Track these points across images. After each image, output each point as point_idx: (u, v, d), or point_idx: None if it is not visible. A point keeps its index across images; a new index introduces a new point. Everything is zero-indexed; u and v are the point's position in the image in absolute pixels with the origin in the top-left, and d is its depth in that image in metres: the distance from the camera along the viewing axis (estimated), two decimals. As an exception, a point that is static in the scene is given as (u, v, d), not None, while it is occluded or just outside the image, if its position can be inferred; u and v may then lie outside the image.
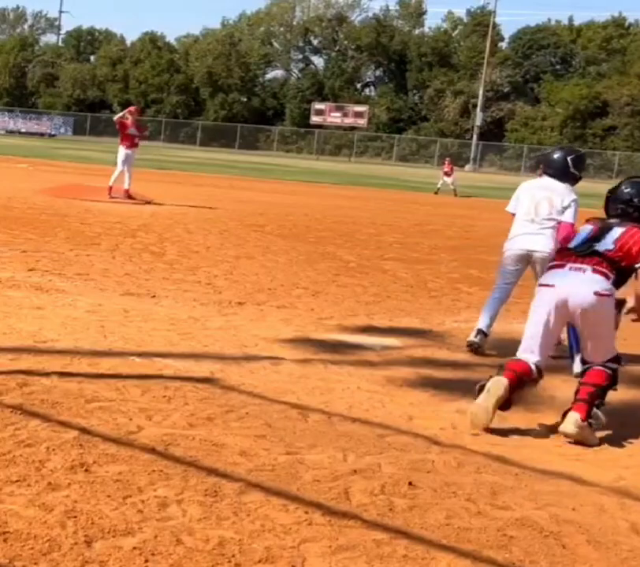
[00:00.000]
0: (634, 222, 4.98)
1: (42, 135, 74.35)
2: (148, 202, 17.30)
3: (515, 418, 4.94)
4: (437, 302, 8.79)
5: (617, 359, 4.91)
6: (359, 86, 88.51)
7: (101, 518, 3.18)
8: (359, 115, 76.79)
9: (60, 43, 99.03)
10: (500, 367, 4.92)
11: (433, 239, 15.20)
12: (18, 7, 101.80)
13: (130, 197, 17.17)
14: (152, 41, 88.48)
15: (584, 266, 4.81)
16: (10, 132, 73.09)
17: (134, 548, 2.98)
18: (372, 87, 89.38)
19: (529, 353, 4.87)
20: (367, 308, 8.00)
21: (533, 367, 4.82)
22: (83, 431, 4.06)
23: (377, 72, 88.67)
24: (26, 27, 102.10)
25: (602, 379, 4.82)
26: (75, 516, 3.17)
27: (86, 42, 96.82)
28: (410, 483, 3.78)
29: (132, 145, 17.47)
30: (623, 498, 3.86)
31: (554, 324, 4.88)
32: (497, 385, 4.71)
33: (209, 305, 7.53)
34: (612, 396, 5.59)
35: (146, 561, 2.92)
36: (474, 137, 73.17)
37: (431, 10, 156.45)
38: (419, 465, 4.03)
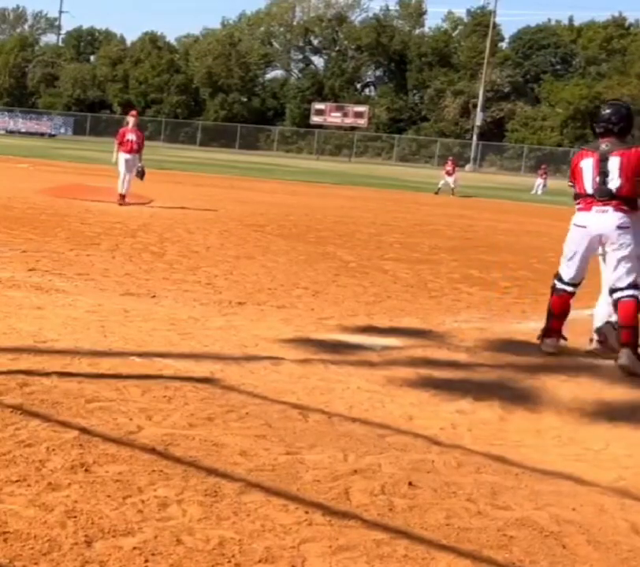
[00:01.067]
0: (616, 138, 6.27)
1: (42, 135, 74.37)
2: (146, 203, 17.26)
3: (515, 418, 4.94)
4: (437, 302, 8.79)
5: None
6: (359, 86, 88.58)
7: (101, 518, 3.18)
8: (359, 115, 76.82)
9: (60, 43, 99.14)
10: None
11: (433, 239, 15.20)
12: (18, 7, 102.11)
13: (121, 200, 16.86)
14: (152, 41, 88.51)
15: (606, 207, 6.21)
16: (10, 132, 73.12)
17: (134, 548, 2.98)
18: (372, 87, 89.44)
19: None
20: (367, 308, 8.00)
21: None
22: (84, 431, 4.06)
23: (378, 72, 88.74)
24: (26, 27, 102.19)
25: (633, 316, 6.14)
26: (75, 516, 3.17)
27: (86, 42, 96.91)
28: (410, 483, 3.78)
29: (131, 150, 17.19)
30: (623, 498, 3.86)
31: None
32: None
33: (209, 305, 7.53)
34: (612, 395, 5.60)
35: (147, 561, 2.92)
36: (475, 137, 73.24)
37: (431, 10, 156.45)
38: (419, 465, 4.03)
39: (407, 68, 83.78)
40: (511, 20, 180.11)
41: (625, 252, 6.20)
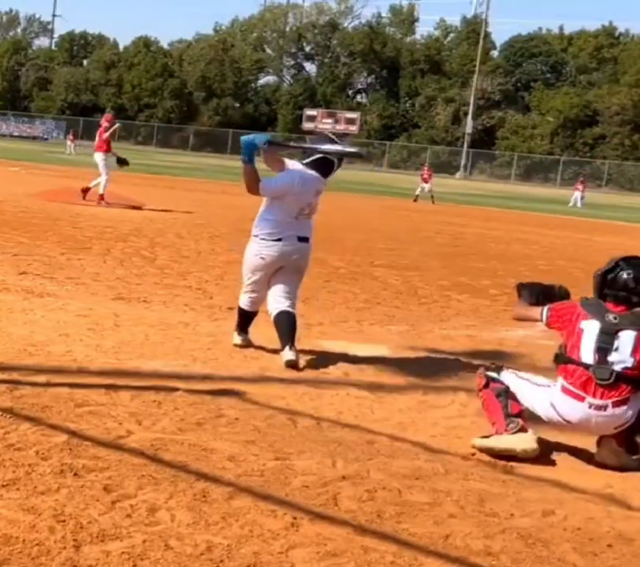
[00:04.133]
0: (630, 308, 4.52)
1: (34, 138, 74.28)
2: (136, 207, 17.22)
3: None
4: (427, 309, 8.81)
5: None
6: (351, 92, 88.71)
7: (90, 522, 3.18)
8: (350, 121, 77.00)
9: (53, 47, 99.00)
10: None
11: (423, 246, 15.24)
12: (11, 10, 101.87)
13: (102, 201, 17.00)
14: (146, 45, 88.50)
15: (605, 402, 4.40)
16: (2, 136, 73.01)
17: (122, 553, 2.99)
18: (364, 94, 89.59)
19: None
20: (357, 314, 8.02)
21: None
22: (73, 435, 4.07)
23: (370, 79, 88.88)
24: (19, 30, 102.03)
25: None
26: (64, 521, 3.18)
27: (79, 46, 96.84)
28: (398, 490, 3.79)
29: (109, 149, 17.58)
30: (610, 506, 3.88)
31: None
32: None
33: (199, 310, 7.54)
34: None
35: (135, 565, 2.93)
36: (465, 145, 73.43)
37: (423, 18, 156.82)
38: (408, 471, 4.04)
39: (398, 75, 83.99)
40: (502, 28, 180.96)
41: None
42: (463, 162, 73.08)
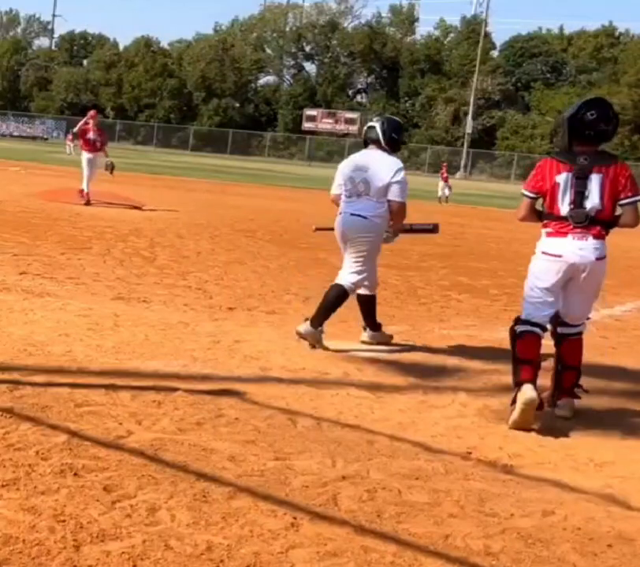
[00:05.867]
0: (596, 148, 5.13)
1: (34, 138, 74.29)
2: (136, 207, 17.22)
3: (503, 425, 4.95)
4: (427, 308, 8.81)
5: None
6: (351, 92, 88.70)
7: (90, 522, 3.19)
8: (350, 121, 76.98)
9: (53, 47, 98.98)
10: None
11: (423, 246, 15.22)
12: (11, 10, 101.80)
13: (85, 198, 16.92)
14: (146, 45, 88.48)
15: (585, 234, 5.12)
16: (2, 136, 73.01)
17: (122, 553, 2.99)
18: (364, 94, 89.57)
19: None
20: (357, 314, 8.00)
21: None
22: (73, 435, 4.07)
23: (370, 79, 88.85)
24: (19, 30, 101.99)
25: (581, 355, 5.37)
26: (64, 521, 3.18)
27: (79, 46, 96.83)
28: (398, 490, 3.79)
29: (94, 149, 17.48)
30: (610, 506, 3.88)
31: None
32: None
33: (199, 310, 7.54)
34: (598, 403, 5.62)
35: (135, 565, 2.93)
36: (465, 145, 73.40)
37: (423, 18, 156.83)
38: (408, 471, 4.04)
39: (398, 75, 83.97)
40: (502, 28, 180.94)
41: (594, 286, 5.31)
42: (463, 162, 73.06)
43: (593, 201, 5.07)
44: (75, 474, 3.61)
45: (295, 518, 3.38)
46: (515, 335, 5.20)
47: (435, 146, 76.37)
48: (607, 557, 3.36)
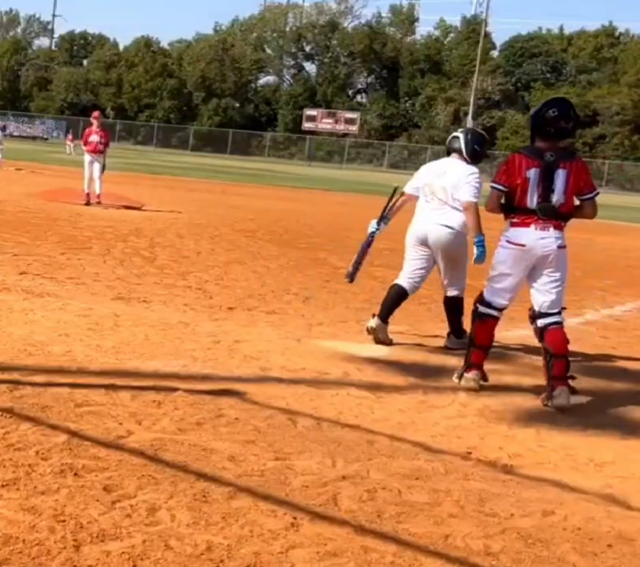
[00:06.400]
0: (559, 144, 5.50)
1: (34, 138, 74.32)
2: (135, 208, 17.21)
3: (503, 425, 4.96)
4: (427, 308, 8.80)
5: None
6: (351, 92, 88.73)
7: (90, 522, 3.19)
8: (350, 121, 77.02)
9: (53, 47, 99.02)
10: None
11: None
12: (11, 10, 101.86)
13: (88, 201, 16.90)
14: (146, 45, 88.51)
15: (547, 225, 5.51)
16: (4, 136, 72.98)
17: (122, 553, 2.99)
18: (364, 94, 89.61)
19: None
20: (357, 314, 8.01)
21: None
22: (73, 435, 4.07)
23: (370, 79, 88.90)
24: (19, 30, 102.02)
25: (565, 343, 5.66)
26: (64, 521, 3.18)
27: (79, 45, 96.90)
28: (398, 490, 3.79)
29: (95, 151, 17.35)
30: (610, 506, 3.88)
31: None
32: None
33: (199, 310, 7.54)
34: (598, 404, 5.63)
35: (135, 565, 2.93)
36: (465, 144, 73.33)
37: (423, 18, 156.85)
38: (408, 471, 4.04)
39: (398, 75, 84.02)
40: (502, 28, 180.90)
41: (560, 274, 5.65)
42: (463, 162, 73.04)
43: (558, 195, 5.46)
44: (75, 474, 3.61)
45: (295, 518, 3.38)
46: (476, 315, 5.80)
47: (435, 146, 76.28)
48: (607, 557, 3.36)
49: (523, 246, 5.54)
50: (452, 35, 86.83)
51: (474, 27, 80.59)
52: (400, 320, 7.90)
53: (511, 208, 5.60)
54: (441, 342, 7.11)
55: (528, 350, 6.91)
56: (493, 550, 3.30)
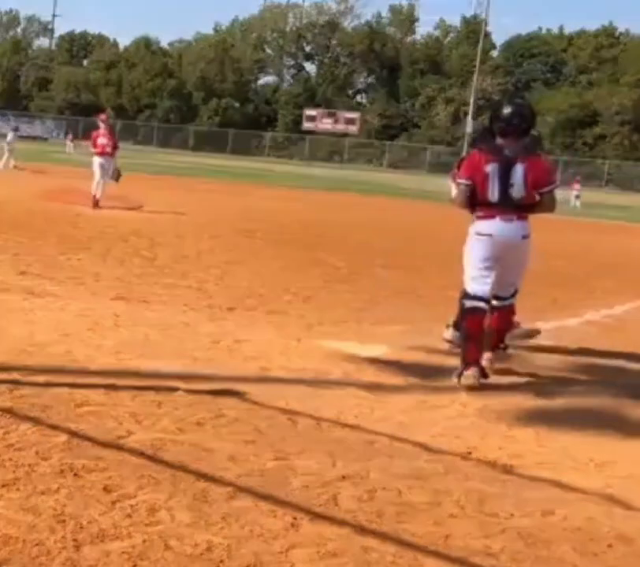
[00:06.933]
0: (516, 141, 5.81)
1: (34, 138, 74.30)
2: (134, 208, 17.19)
3: (503, 425, 4.96)
4: (427, 308, 8.80)
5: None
6: (351, 92, 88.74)
7: (90, 522, 3.18)
8: (350, 121, 77.04)
9: (53, 47, 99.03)
10: None
11: (423, 246, 15.24)
12: (11, 10, 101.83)
13: (97, 204, 16.56)
14: (146, 45, 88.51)
15: (511, 217, 5.86)
16: (3, 136, 72.99)
17: (122, 553, 2.99)
18: (364, 94, 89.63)
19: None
20: (357, 314, 8.02)
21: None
22: (73, 435, 4.06)
23: (370, 79, 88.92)
24: (19, 30, 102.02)
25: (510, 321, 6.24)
26: (64, 521, 3.18)
27: (79, 46, 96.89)
28: (398, 490, 3.79)
29: (103, 153, 17.09)
30: (610, 506, 3.88)
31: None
32: None
33: (199, 310, 7.54)
34: (600, 403, 5.63)
35: (135, 565, 2.93)
36: (465, 145, 73.36)
37: (423, 18, 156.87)
38: (408, 471, 4.04)
39: (398, 75, 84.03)
40: (502, 28, 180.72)
41: (523, 261, 6.15)
42: (462, 162, 73.00)
43: (518, 188, 5.79)
44: (75, 474, 3.61)
45: (295, 518, 3.38)
46: (464, 310, 6.00)
47: (435, 146, 76.38)
48: (607, 557, 3.36)
49: (491, 235, 5.88)
50: (451, 35, 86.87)
51: (473, 27, 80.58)
52: (400, 320, 7.90)
53: (476, 203, 5.95)
54: (441, 343, 7.09)
55: (528, 349, 6.90)
56: (493, 550, 3.30)
